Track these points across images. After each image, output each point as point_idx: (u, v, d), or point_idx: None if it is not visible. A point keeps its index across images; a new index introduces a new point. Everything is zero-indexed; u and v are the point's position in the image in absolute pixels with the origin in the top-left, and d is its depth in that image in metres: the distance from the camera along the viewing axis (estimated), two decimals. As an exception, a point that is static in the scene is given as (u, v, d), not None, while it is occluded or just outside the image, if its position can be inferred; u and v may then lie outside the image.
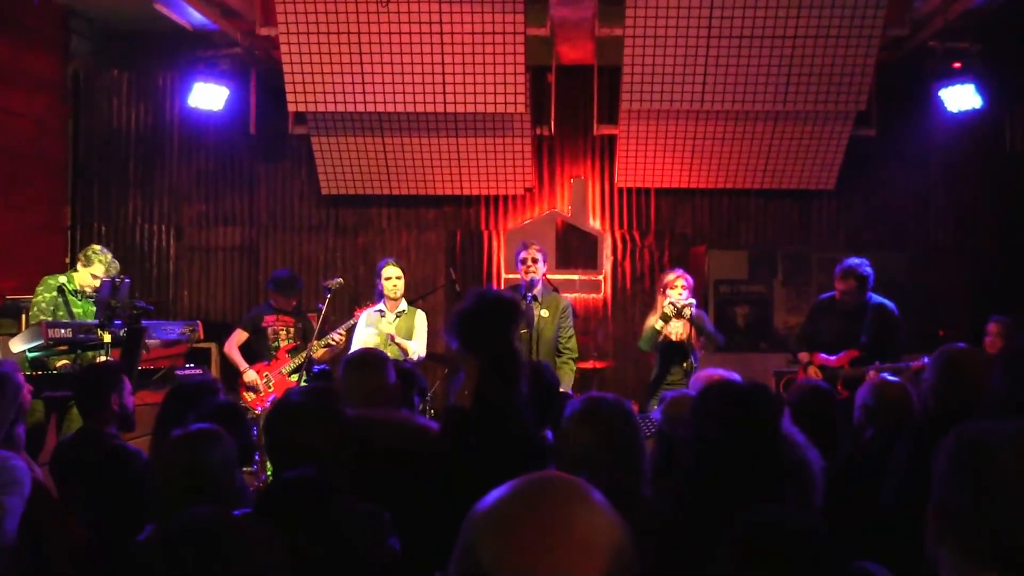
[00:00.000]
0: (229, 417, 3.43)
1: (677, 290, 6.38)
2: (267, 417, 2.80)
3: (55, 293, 6.53)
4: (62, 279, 6.62)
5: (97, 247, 6.74)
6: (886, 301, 6.71)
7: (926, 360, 6.12)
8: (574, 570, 1.13)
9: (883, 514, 3.22)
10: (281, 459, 2.65)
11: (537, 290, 6.46)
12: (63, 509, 3.39)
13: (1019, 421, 1.76)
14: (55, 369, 6.12)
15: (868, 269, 6.58)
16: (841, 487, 3.26)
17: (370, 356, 3.79)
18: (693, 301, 6.42)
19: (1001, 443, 1.71)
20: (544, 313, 6.42)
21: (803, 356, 6.85)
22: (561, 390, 5.89)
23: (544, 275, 6.61)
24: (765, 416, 2.51)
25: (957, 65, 7.92)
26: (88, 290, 6.61)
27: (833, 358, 6.66)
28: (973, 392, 3.36)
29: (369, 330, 6.93)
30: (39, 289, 6.58)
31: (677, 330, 6.36)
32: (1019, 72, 8.77)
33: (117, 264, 6.75)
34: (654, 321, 6.42)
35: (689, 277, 6.55)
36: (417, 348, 6.95)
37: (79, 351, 6.22)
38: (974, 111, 8.10)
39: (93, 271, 6.59)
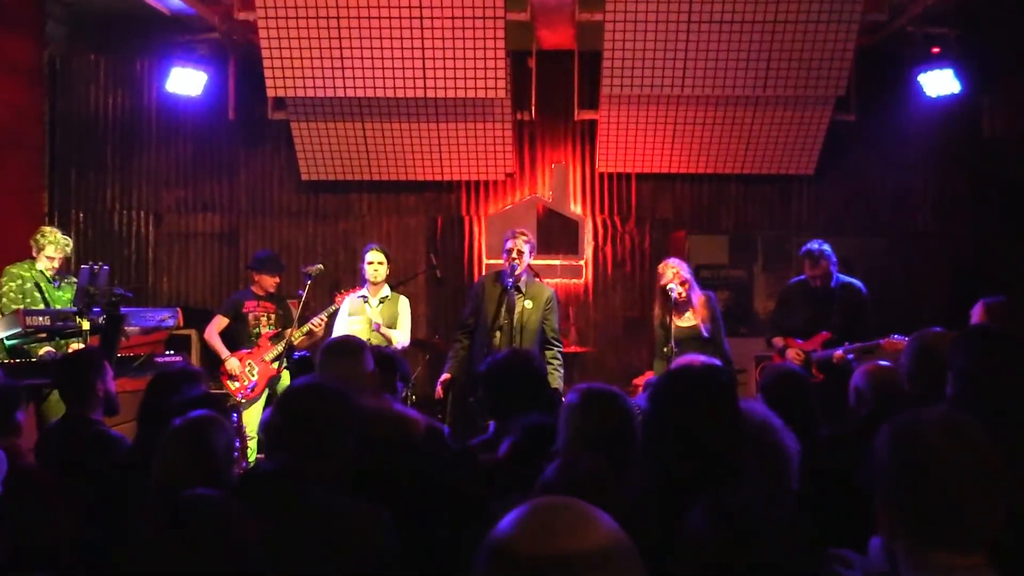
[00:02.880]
0: (211, 405, 3.42)
1: (670, 281, 6.36)
2: (279, 404, 2.77)
3: (19, 282, 6.53)
4: (25, 268, 6.59)
5: (46, 228, 6.76)
6: (853, 280, 6.73)
7: (896, 337, 6.20)
8: None
9: (859, 496, 3.24)
10: (279, 443, 2.63)
11: (522, 281, 6.39)
12: (59, 485, 3.38)
13: (942, 407, 1.82)
14: (36, 357, 6.09)
15: (827, 247, 6.59)
16: (822, 470, 3.28)
17: (348, 343, 3.79)
18: (709, 294, 6.44)
19: (931, 428, 1.75)
20: (528, 304, 6.35)
21: (777, 341, 6.85)
22: (555, 387, 5.92)
23: (528, 265, 6.51)
24: (713, 396, 2.53)
25: (936, 50, 7.96)
26: (49, 274, 6.59)
27: (806, 342, 6.68)
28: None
29: (353, 318, 6.92)
30: (3, 280, 6.56)
31: (686, 323, 6.37)
32: (996, 57, 8.82)
33: (69, 240, 6.75)
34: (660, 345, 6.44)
35: (683, 265, 6.50)
36: (401, 337, 6.95)
37: (57, 338, 6.19)
38: (952, 96, 8.14)
39: (47, 253, 6.58)
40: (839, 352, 6.35)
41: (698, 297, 6.47)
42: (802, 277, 6.83)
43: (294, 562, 2.23)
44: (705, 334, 6.38)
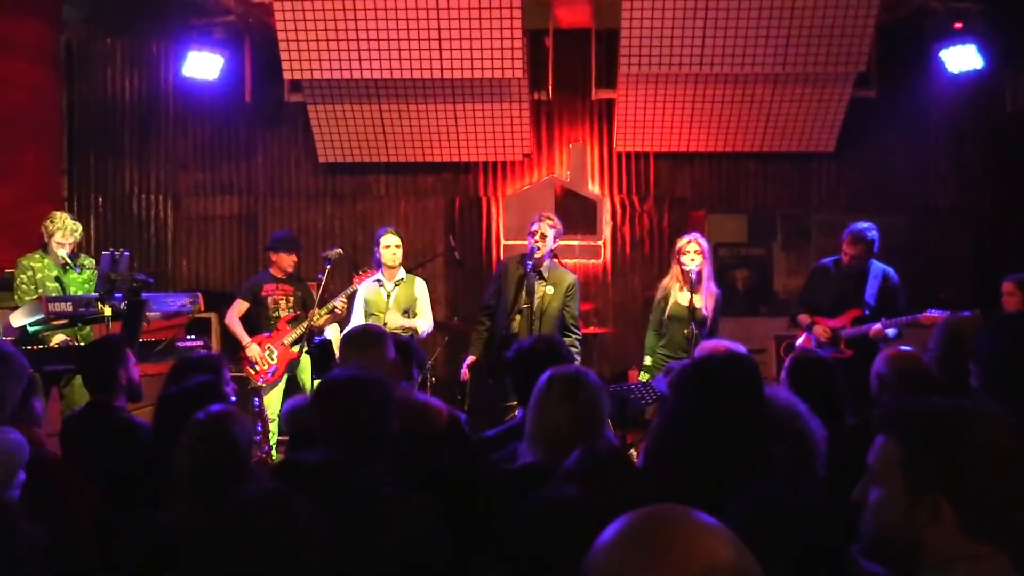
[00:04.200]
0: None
1: (689, 255, 6.24)
2: (320, 398, 2.76)
3: (30, 272, 6.58)
4: (37, 259, 6.63)
5: (55, 214, 6.77)
6: (889, 269, 6.69)
7: (932, 312, 6.17)
8: None
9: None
10: (329, 437, 2.62)
11: (544, 265, 6.34)
12: (79, 476, 3.40)
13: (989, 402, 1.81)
14: (51, 344, 6.13)
15: (875, 233, 6.55)
16: (849, 456, 3.26)
17: (369, 332, 3.78)
18: (717, 292, 6.36)
19: (989, 421, 1.75)
20: (549, 289, 6.30)
21: (804, 318, 6.77)
22: None
23: (551, 249, 6.43)
24: (737, 387, 2.52)
25: (958, 25, 7.85)
26: (63, 257, 6.62)
27: (834, 319, 6.64)
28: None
29: (371, 316, 6.91)
30: (16, 272, 6.62)
31: (683, 300, 6.24)
32: (1019, 32, 8.69)
33: (78, 225, 6.77)
34: (660, 302, 6.36)
35: (704, 241, 6.32)
36: (425, 324, 6.96)
37: (78, 325, 6.22)
38: (975, 71, 8.03)
39: (57, 239, 6.60)
40: (877, 326, 6.31)
41: (710, 286, 6.35)
42: (834, 258, 6.78)
43: (348, 554, 2.23)
44: (705, 312, 6.26)
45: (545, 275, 6.34)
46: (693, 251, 6.22)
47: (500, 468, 3.06)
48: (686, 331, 6.09)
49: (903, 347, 4.13)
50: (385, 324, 6.65)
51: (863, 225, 6.59)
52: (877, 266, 6.65)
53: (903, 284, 6.70)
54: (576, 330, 6.43)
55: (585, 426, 2.88)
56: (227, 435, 2.74)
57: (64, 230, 6.61)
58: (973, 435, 1.75)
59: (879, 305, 6.53)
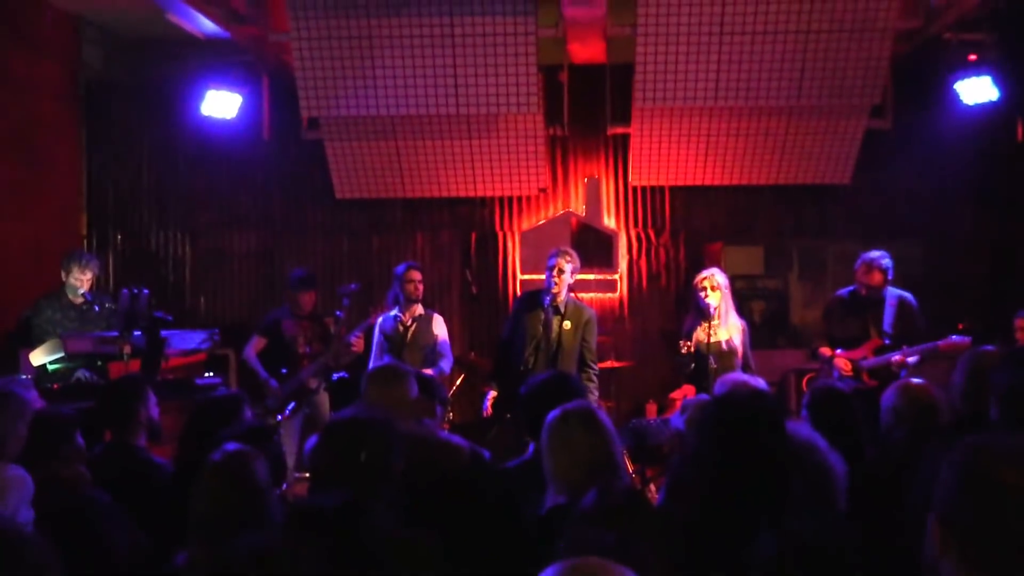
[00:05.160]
0: (259, 438, 3.43)
1: (706, 291, 6.25)
2: (326, 437, 2.76)
3: (48, 313, 6.59)
4: (54, 300, 6.66)
5: (72, 251, 6.86)
6: (905, 294, 6.69)
7: (954, 338, 6.15)
8: None
9: (912, 522, 3.20)
10: (330, 478, 2.62)
11: (560, 300, 6.34)
12: (126, 518, 3.40)
13: (1014, 435, 1.79)
14: (71, 380, 6.15)
15: (889, 262, 6.57)
16: (868, 491, 3.24)
17: (392, 370, 3.79)
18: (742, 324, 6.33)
19: (1005, 456, 1.73)
20: (567, 325, 6.30)
21: (825, 352, 6.75)
22: None
23: (569, 285, 6.43)
24: (758, 427, 2.52)
25: (972, 57, 7.85)
26: (79, 297, 6.64)
27: (854, 350, 6.61)
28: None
29: (387, 349, 6.91)
30: (34, 311, 6.64)
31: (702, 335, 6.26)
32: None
33: (95, 260, 6.83)
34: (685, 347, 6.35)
35: (721, 276, 6.35)
36: (445, 365, 6.96)
37: (99, 363, 6.25)
38: (990, 102, 8.02)
39: (74, 276, 6.63)
40: (898, 356, 6.29)
41: (733, 319, 6.37)
42: (850, 289, 6.77)
43: None
44: (727, 347, 6.26)
45: (562, 310, 6.34)
46: (709, 287, 6.25)
47: (528, 511, 3.06)
48: (712, 364, 6.15)
49: (914, 380, 4.10)
50: (404, 361, 6.66)
51: (876, 254, 6.59)
52: (893, 293, 6.65)
53: (922, 309, 6.68)
54: (593, 365, 6.42)
55: (601, 461, 2.87)
56: (246, 476, 2.73)
57: (80, 266, 6.64)
58: (981, 468, 1.75)
59: (898, 332, 6.51)
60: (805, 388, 7.22)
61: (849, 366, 6.49)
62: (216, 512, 2.68)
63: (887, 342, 6.49)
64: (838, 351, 6.64)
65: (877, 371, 6.39)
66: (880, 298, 6.61)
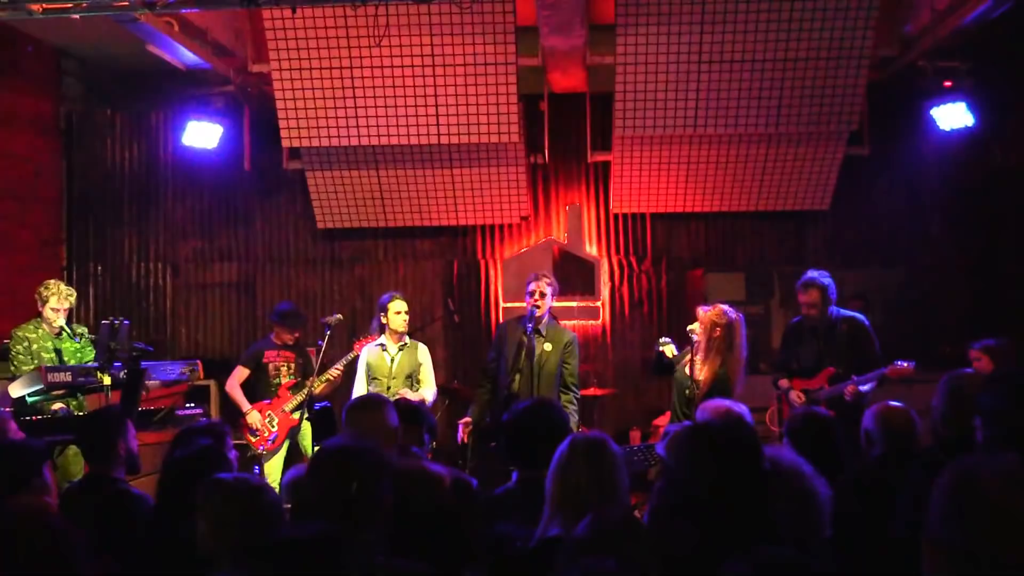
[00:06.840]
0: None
1: (695, 328, 6.13)
2: (313, 468, 2.74)
3: (26, 344, 6.47)
4: (31, 329, 6.56)
5: (49, 281, 6.68)
6: (855, 314, 6.64)
7: (899, 363, 6.11)
8: None
9: (894, 546, 3.20)
10: (320, 509, 2.59)
11: (542, 323, 6.38)
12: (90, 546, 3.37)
13: (1010, 456, 1.81)
14: (49, 413, 6.09)
15: (828, 280, 6.51)
16: (848, 515, 3.24)
17: (371, 400, 3.79)
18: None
19: (994, 477, 1.75)
20: (547, 347, 6.34)
21: (783, 383, 6.75)
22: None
23: (550, 308, 6.47)
24: (735, 454, 2.52)
25: (948, 84, 7.95)
26: (56, 327, 6.54)
27: (810, 380, 6.59)
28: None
29: (374, 380, 6.87)
30: (12, 343, 6.54)
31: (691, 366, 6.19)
32: (1007, 88, 8.80)
33: (72, 291, 6.73)
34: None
35: (713, 314, 6.09)
36: (428, 394, 6.92)
37: (79, 395, 6.20)
38: (966, 128, 8.11)
39: (52, 305, 6.53)
40: (849, 386, 6.26)
41: (715, 360, 6.27)
42: (801, 316, 6.75)
43: None
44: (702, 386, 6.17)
45: (544, 332, 6.37)
46: (697, 317, 6.18)
47: (513, 540, 3.05)
48: (687, 391, 6.07)
49: (892, 402, 4.10)
50: (389, 390, 6.65)
51: (813, 273, 6.55)
52: (842, 314, 6.58)
53: (893, 333, 6.64)
54: (575, 388, 6.42)
55: (604, 491, 2.87)
56: (256, 504, 2.72)
57: (59, 295, 6.56)
58: (970, 490, 1.76)
59: (850, 358, 6.44)
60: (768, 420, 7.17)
61: (803, 398, 6.47)
62: (227, 539, 2.67)
63: (840, 371, 6.44)
64: (795, 381, 6.63)
65: (833, 401, 6.24)
66: (830, 322, 6.54)
